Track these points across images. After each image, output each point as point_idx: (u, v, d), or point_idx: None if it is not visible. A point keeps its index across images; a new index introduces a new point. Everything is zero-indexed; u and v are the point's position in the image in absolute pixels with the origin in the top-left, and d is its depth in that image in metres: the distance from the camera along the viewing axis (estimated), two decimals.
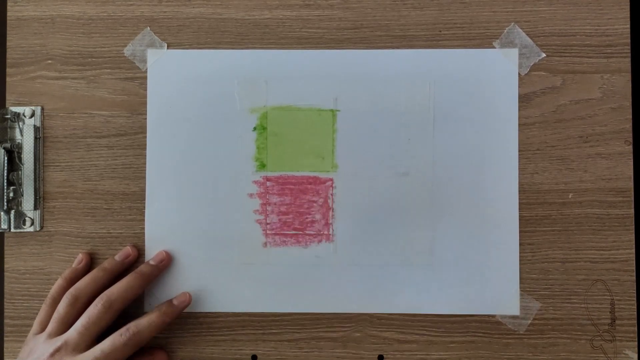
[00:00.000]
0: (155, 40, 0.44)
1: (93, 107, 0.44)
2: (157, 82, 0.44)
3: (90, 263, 0.44)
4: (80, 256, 0.44)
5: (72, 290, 0.41)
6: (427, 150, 0.44)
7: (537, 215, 0.43)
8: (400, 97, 0.44)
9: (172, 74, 0.44)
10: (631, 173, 0.43)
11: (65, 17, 0.45)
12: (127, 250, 0.43)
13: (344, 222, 0.44)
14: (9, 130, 0.44)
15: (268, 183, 0.44)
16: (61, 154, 0.44)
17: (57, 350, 0.39)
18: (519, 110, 0.44)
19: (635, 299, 0.43)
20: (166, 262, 0.43)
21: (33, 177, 0.44)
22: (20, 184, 0.44)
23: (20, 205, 0.44)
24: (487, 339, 0.43)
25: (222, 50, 0.44)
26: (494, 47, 0.44)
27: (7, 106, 0.44)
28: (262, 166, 0.44)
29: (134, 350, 0.40)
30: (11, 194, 0.44)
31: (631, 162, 0.43)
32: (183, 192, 0.44)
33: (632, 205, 0.43)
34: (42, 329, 0.41)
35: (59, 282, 0.43)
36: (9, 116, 0.44)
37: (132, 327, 0.40)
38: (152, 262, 0.43)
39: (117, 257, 0.43)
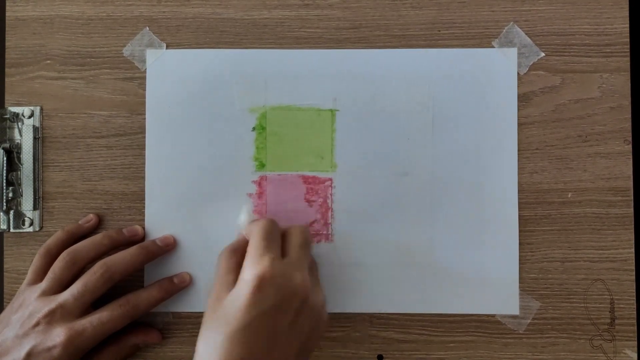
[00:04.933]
0: (154, 40, 0.44)
1: (92, 107, 0.44)
2: (156, 82, 0.44)
3: (97, 228, 0.44)
4: (90, 216, 0.44)
5: (71, 251, 0.40)
6: (426, 149, 0.44)
7: (536, 215, 0.43)
8: (399, 97, 0.44)
9: (171, 74, 0.44)
10: (630, 172, 0.43)
11: (64, 17, 0.45)
12: (137, 229, 0.43)
13: (343, 222, 0.44)
14: (8, 130, 0.44)
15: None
16: (60, 154, 0.44)
17: (52, 312, 0.38)
18: (518, 109, 0.44)
19: (634, 298, 0.43)
20: (171, 247, 0.43)
21: (32, 177, 0.44)
22: (20, 184, 0.44)
23: (20, 206, 0.44)
24: (486, 339, 0.43)
25: (221, 50, 0.44)
26: (492, 47, 0.44)
27: (6, 106, 0.44)
28: (262, 166, 0.44)
29: (129, 321, 0.40)
30: (10, 194, 0.44)
31: (630, 162, 0.43)
32: (182, 192, 0.44)
33: (632, 205, 0.43)
34: (36, 279, 0.41)
35: (58, 234, 0.42)
36: (8, 116, 0.44)
37: (132, 299, 0.40)
38: (158, 242, 0.43)
39: (125, 232, 0.43)
